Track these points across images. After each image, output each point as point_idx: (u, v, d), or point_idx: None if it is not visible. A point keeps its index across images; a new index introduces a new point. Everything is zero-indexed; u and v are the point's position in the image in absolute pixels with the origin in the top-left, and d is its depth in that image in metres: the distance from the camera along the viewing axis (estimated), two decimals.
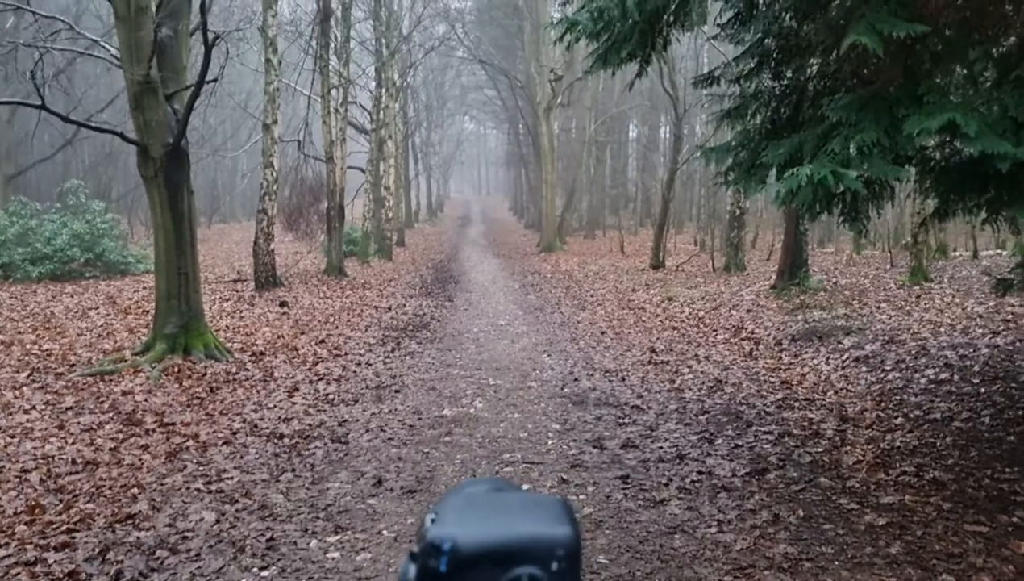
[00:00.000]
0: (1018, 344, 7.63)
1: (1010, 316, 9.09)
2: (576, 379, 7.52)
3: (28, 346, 8.68)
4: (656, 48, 4.98)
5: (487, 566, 0.61)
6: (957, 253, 18.02)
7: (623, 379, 7.49)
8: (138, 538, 3.97)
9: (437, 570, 0.61)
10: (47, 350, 8.46)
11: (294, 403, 6.58)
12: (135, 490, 4.61)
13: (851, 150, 3.91)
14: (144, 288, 13.79)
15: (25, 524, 4.13)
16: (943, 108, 3.69)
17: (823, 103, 4.38)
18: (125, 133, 8.08)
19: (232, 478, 4.81)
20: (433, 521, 0.64)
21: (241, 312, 11.51)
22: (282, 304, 12.20)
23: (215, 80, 8.77)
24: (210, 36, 7.28)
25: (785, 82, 5.08)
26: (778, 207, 4.04)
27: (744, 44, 5.31)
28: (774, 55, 5.00)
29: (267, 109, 14.37)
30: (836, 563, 3.66)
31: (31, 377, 7.25)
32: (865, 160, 3.90)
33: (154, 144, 7.68)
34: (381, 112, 21.78)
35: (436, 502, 0.67)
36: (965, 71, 4.29)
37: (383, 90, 21.66)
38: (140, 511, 4.30)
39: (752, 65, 5.18)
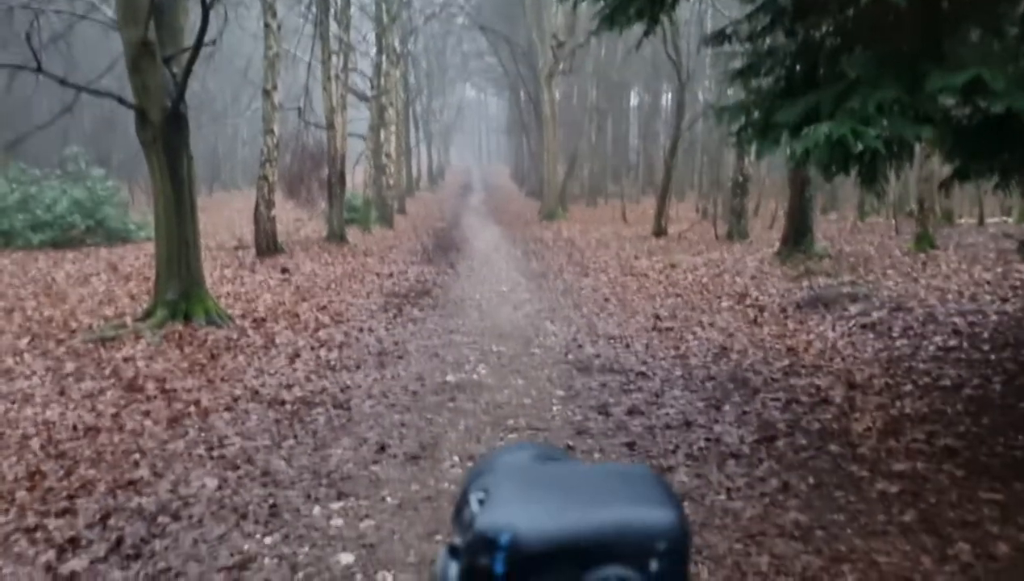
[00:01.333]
0: None
1: (1018, 283, 8.99)
2: (580, 345, 7.45)
3: (29, 313, 8.63)
4: (665, 6, 4.83)
5: (560, 566, 0.46)
6: (962, 220, 17.87)
7: (627, 346, 7.42)
8: (139, 504, 3.92)
9: (490, 571, 0.46)
10: (48, 316, 8.39)
11: (295, 369, 6.52)
12: (136, 456, 4.56)
13: (870, 108, 3.78)
14: (145, 255, 13.69)
15: (26, 490, 4.09)
16: (968, 64, 3.56)
17: (840, 60, 4.24)
18: (123, 98, 7.93)
19: (234, 444, 4.76)
20: (482, 503, 0.49)
21: (242, 279, 11.43)
22: (283, 271, 12.11)
23: (213, 43, 8.59)
24: None
25: (800, 39, 4.92)
26: (793, 167, 3.91)
27: (757, 1, 5.14)
28: (789, 11, 4.84)
29: (267, 75, 14.15)
30: (848, 531, 3.59)
31: (32, 343, 7.20)
32: (885, 118, 3.78)
33: (152, 108, 7.54)
34: (382, 79, 21.51)
35: (476, 473, 0.52)
36: (989, 26, 4.14)
37: (384, 57, 21.37)
38: (141, 477, 4.25)
39: (766, 22, 5.02)
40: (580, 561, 0.46)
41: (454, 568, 0.48)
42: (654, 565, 0.46)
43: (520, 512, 0.48)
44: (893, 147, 4.14)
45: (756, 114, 4.59)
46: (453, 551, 0.49)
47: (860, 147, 3.88)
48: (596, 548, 0.46)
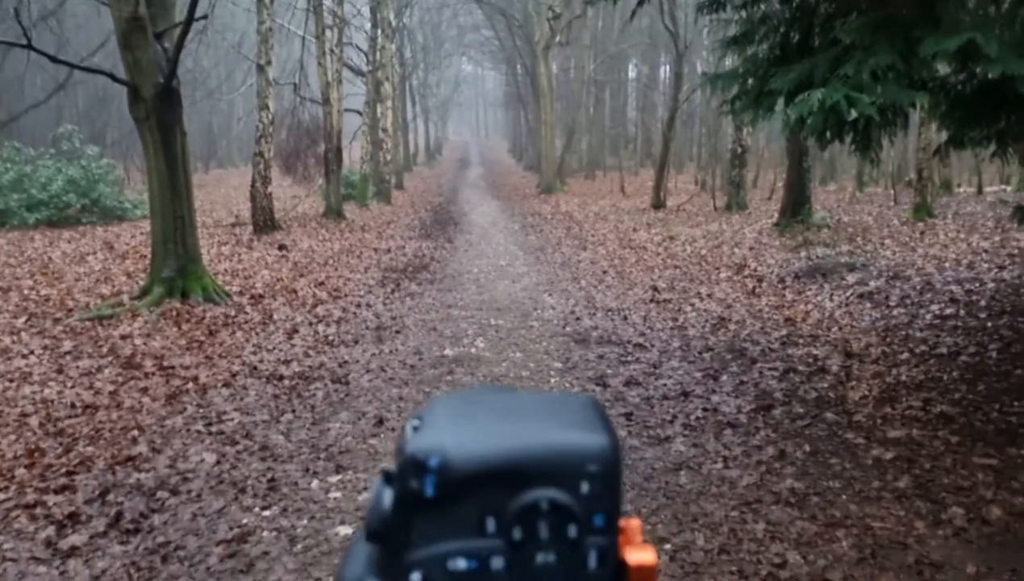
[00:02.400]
0: None
1: (1016, 251, 8.98)
2: (578, 318, 7.45)
3: (26, 292, 8.62)
4: None
5: (490, 489, 0.46)
6: (961, 189, 17.81)
7: (625, 318, 7.42)
8: (138, 479, 3.94)
9: (420, 494, 0.46)
10: (45, 295, 8.39)
11: (293, 345, 6.52)
12: (135, 432, 4.57)
13: (864, 75, 3.75)
14: (141, 233, 13.65)
15: (25, 467, 4.11)
16: (962, 28, 3.52)
17: (835, 27, 4.19)
18: (115, 74, 7.86)
19: (232, 420, 4.77)
20: (416, 430, 0.48)
21: (239, 256, 11.41)
22: (280, 247, 12.09)
23: (205, 17, 8.51)
24: None
25: (794, 6, 4.86)
26: (787, 135, 3.89)
27: None
28: None
29: (260, 50, 14.01)
30: (844, 497, 3.63)
31: (29, 322, 7.20)
32: (879, 85, 3.75)
33: (144, 84, 7.48)
34: (377, 53, 21.32)
35: (421, 408, 0.51)
36: None
37: (379, 31, 21.15)
38: (140, 453, 4.27)
39: None
40: (511, 483, 0.46)
41: (388, 494, 0.48)
42: (585, 487, 0.46)
43: (450, 436, 0.47)
44: (887, 114, 4.11)
45: (750, 82, 4.55)
46: (387, 478, 0.48)
47: (854, 114, 3.86)
48: (526, 471, 0.46)
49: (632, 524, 0.49)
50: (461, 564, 0.45)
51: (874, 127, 4.13)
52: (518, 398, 0.53)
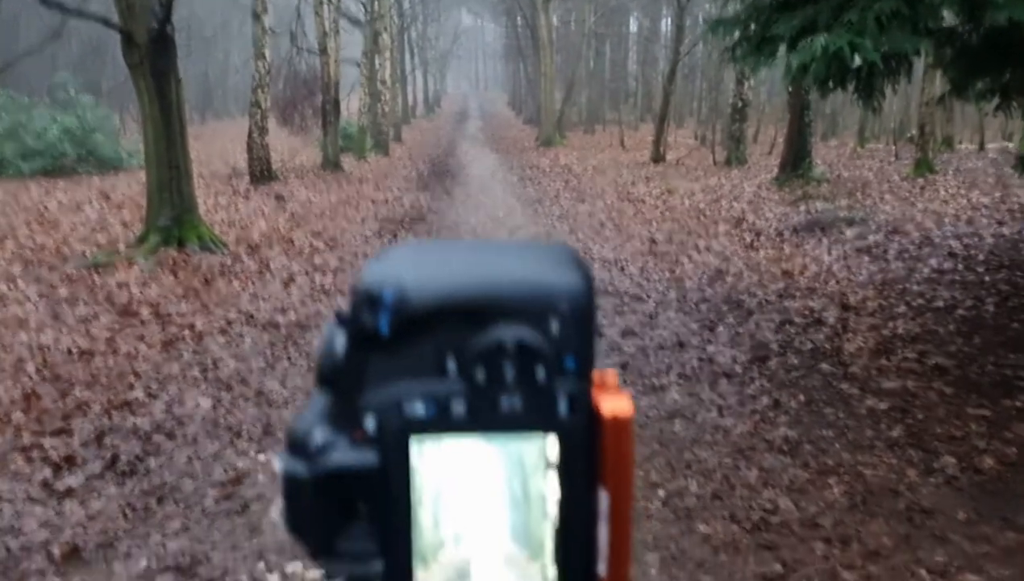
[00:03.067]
0: None
1: (1015, 206, 8.95)
2: None
3: (22, 240, 8.58)
4: None
5: (450, 326, 0.42)
6: (962, 145, 17.66)
7: (622, 269, 7.40)
8: (134, 424, 3.96)
9: (375, 331, 0.42)
10: (41, 244, 8.36)
11: (290, 294, 6.51)
12: (131, 378, 4.58)
13: (869, 21, 3.67)
14: (138, 183, 13.53)
15: (22, 411, 4.12)
16: None
17: None
18: (108, 19, 7.70)
19: (228, 366, 4.78)
20: (371, 267, 0.44)
21: (236, 206, 11.34)
22: (278, 198, 12.00)
23: None
24: None
25: None
26: (789, 83, 3.82)
27: None
28: None
29: None
30: (836, 446, 3.66)
31: (25, 270, 7.18)
32: (883, 32, 3.67)
33: (138, 29, 7.34)
34: (375, 3, 20.91)
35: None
36: None
37: None
38: (136, 398, 4.29)
39: None
40: (474, 320, 0.42)
41: (340, 336, 0.44)
42: (555, 326, 0.42)
43: (408, 270, 0.43)
44: (891, 62, 4.04)
45: (752, 28, 4.45)
46: (340, 318, 0.44)
47: (858, 61, 3.79)
48: (491, 306, 0.42)
49: (607, 373, 0.46)
50: (419, 408, 0.42)
51: (877, 75, 4.06)
52: (488, 243, 0.51)
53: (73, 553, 2.90)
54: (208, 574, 2.79)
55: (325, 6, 16.10)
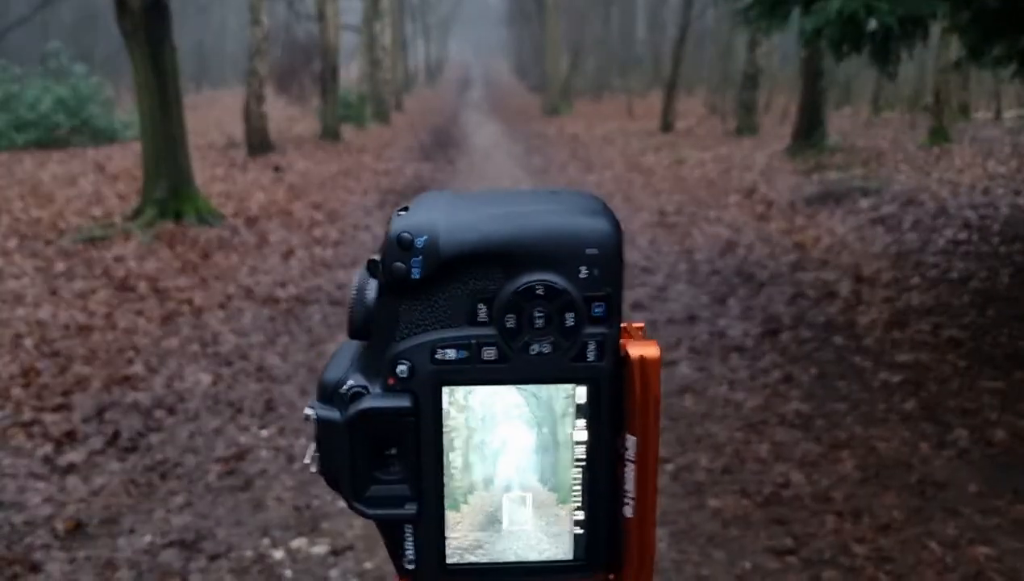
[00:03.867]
0: None
1: None
2: None
3: (16, 214, 8.49)
4: None
5: (481, 272, 0.43)
6: (979, 114, 17.42)
7: (631, 241, 7.30)
8: (135, 399, 3.92)
9: (406, 277, 0.43)
10: (36, 217, 8.27)
11: (290, 267, 6.43)
12: (130, 353, 4.53)
13: None
14: (133, 155, 13.37)
15: (21, 387, 4.09)
16: None
17: None
18: None
19: (228, 341, 4.72)
20: (402, 214, 0.45)
21: (234, 177, 11.21)
22: (276, 169, 11.86)
23: None
24: None
25: None
26: (802, 46, 3.70)
27: None
28: None
29: None
30: (849, 419, 3.61)
31: (21, 244, 7.10)
32: None
33: None
34: None
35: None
36: None
37: None
38: (136, 373, 4.24)
39: None
40: (504, 266, 0.43)
41: (372, 285, 0.45)
42: (583, 273, 0.44)
43: (439, 217, 0.44)
44: (907, 25, 3.91)
45: None
46: (371, 267, 0.45)
47: (873, 25, 3.67)
48: (521, 253, 0.43)
49: (633, 325, 0.47)
50: (450, 354, 0.44)
51: (893, 39, 3.93)
52: (517, 191, 0.50)
53: (77, 528, 2.90)
54: (213, 549, 2.77)
55: None
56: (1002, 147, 11.20)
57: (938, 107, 12.48)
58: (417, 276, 0.43)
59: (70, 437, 3.54)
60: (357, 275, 0.46)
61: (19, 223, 7.99)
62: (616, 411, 0.46)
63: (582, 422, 0.46)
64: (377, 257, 0.44)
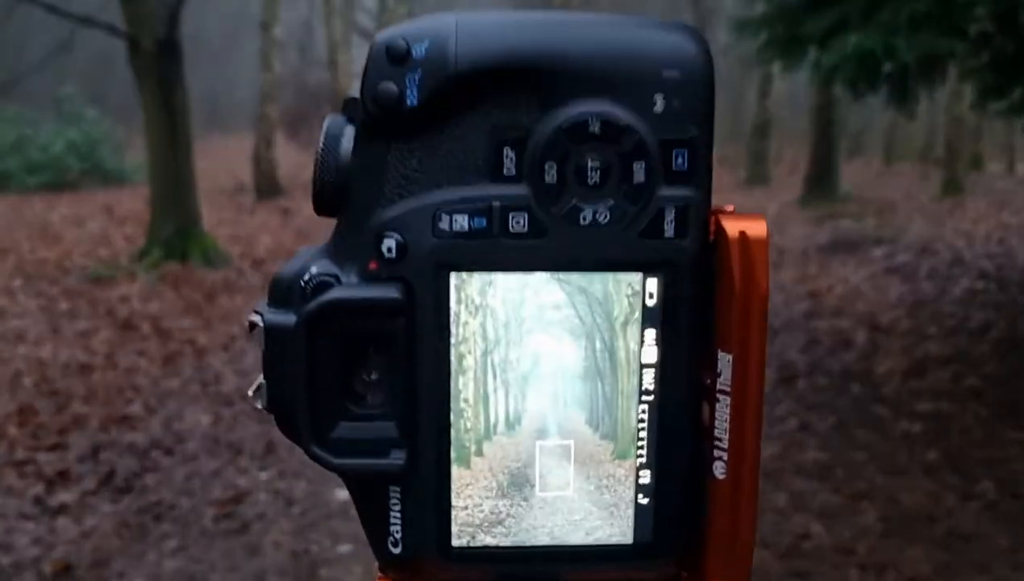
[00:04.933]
0: None
1: None
2: None
3: (24, 254, 8.53)
4: None
5: (508, 98, 0.29)
6: (991, 166, 17.52)
7: None
8: (132, 439, 3.86)
9: (397, 102, 0.29)
10: (42, 258, 8.30)
11: None
12: (130, 393, 4.48)
13: (901, 21, 3.53)
14: (142, 198, 13.48)
15: (16, 426, 4.02)
16: None
17: None
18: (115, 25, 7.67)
19: (230, 382, 4.65)
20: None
21: (242, 221, 11.28)
22: (284, 212, 11.91)
23: None
24: None
25: None
26: (819, 82, 3.68)
27: None
28: None
29: (266, 7, 13.70)
30: (869, 469, 3.51)
31: (26, 283, 7.11)
32: (917, 32, 3.53)
33: (145, 36, 7.27)
34: (384, 15, 21.00)
35: None
36: None
37: None
38: (135, 413, 4.19)
39: None
40: (542, 92, 0.29)
41: (348, 132, 0.32)
42: (659, 103, 0.30)
43: (449, 19, 0.30)
44: (925, 64, 3.91)
45: (780, 28, 4.33)
46: (347, 106, 0.33)
47: (889, 66, 3.66)
48: (568, 72, 0.29)
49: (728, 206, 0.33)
50: (460, 223, 0.30)
51: (911, 77, 3.92)
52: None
53: (65, 571, 2.82)
54: None
55: (336, 17, 16.13)
56: (1016, 198, 11.24)
57: (951, 158, 12.54)
58: (414, 102, 0.30)
59: (63, 477, 3.47)
60: (327, 121, 0.34)
61: (25, 263, 8.02)
62: (704, 317, 0.32)
63: (652, 333, 0.32)
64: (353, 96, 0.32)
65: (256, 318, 0.33)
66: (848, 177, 15.97)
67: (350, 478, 0.33)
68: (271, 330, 0.32)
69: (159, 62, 7.34)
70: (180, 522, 3.13)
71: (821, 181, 12.61)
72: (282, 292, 0.33)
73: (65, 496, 3.32)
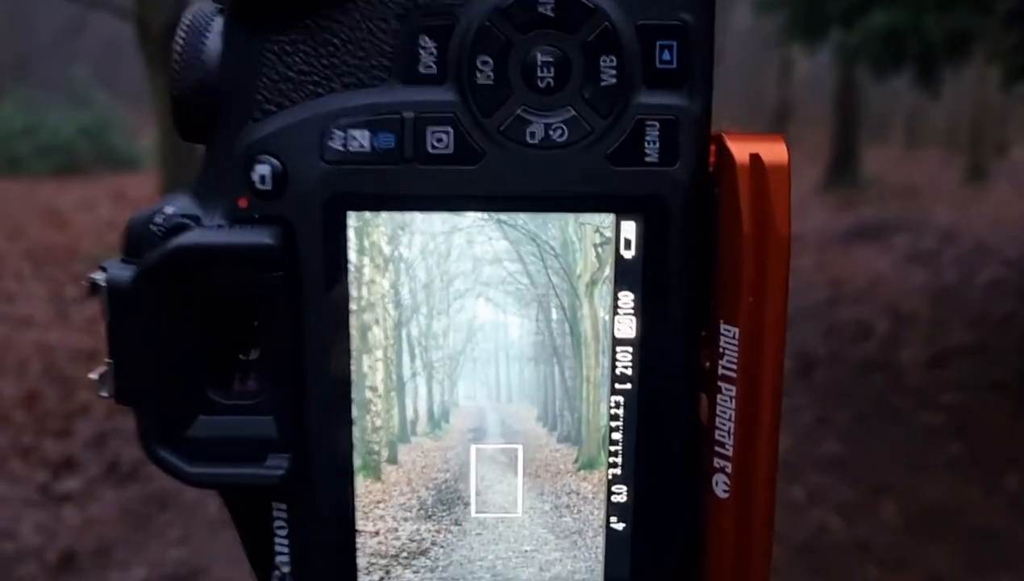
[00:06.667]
0: None
1: None
2: None
3: (33, 239, 8.61)
4: None
5: None
6: (1016, 151, 17.29)
7: None
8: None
9: None
10: (52, 243, 8.36)
11: None
12: None
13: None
14: (153, 182, 13.59)
15: (23, 411, 4.04)
16: None
17: None
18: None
19: None
20: None
21: None
22: None
23: None
24: None
25: None
26: (842, 63, 3.60)
27: None
28: None
29: None
30: (890, 462, 3.45)
31: (35, 269, 7.14)
32: (945, 9, 3.42)
33: (153, 18, 7.24)
34: None
35: None
36: None
37: None
38: None
39: None
40: None
41: (216, 26, 0.28)
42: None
43: None
44: (953, 43, 3.80)
45: (801, 6, 4.22)
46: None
47: (916, 46, 3.55)
48: None
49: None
50: (360, 140, 0.21)
51: (938, 57, 3.80)
52: None
53: (68, 559, 2.83)
54: None
55: None
56: None
57: (975, 144, 12.38)
58: None
59: (68, 464, 3.49)
60: (190, 11, 0.26)
61: (35, 248, 8.06)
62: (701, 275, 0.25)
63: (630, 297, 0.24)
64: None
65: (99, 275, 0.26)
66: (870, 162, 15.80)
67: (217, 490, 0.26)
68: (113, 290, 0.25)
69: (168, 45, 7.31)
70: (184, 511, 3.11)
71: (842, 166, 12.46)
72: (134, 241, 0.26)
73: (70, 483, 3.33)
